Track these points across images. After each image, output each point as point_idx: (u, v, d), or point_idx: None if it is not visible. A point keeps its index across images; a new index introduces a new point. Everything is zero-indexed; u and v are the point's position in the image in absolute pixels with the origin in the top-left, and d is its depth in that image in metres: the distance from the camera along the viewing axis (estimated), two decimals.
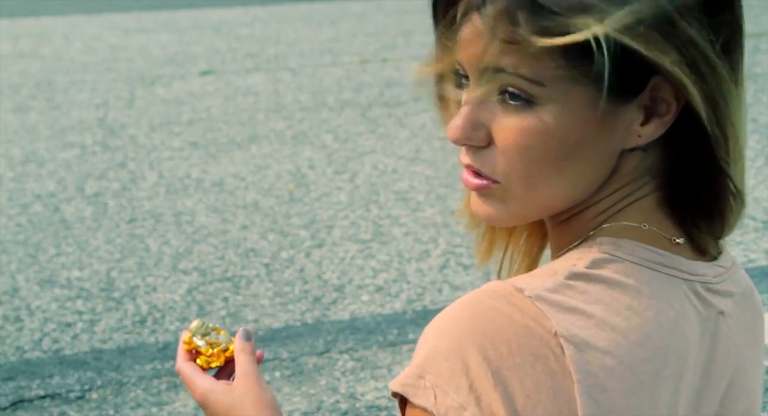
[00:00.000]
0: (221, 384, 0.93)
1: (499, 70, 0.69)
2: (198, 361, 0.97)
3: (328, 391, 2.87)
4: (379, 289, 3.53)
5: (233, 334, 0.98)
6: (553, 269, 0.72)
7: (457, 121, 0.72)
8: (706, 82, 0.68)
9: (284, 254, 3.85)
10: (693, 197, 0.75)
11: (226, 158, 5.10)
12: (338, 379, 2.93)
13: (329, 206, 4.38)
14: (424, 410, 0.67)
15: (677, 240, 0.75)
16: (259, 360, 0.96)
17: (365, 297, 3.47)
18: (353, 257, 3.81)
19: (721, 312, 0.76)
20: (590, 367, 0.67)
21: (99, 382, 2.96)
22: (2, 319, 3.36)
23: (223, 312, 3.37)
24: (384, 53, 7.65)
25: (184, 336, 0.98)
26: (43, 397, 2.89)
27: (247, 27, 8.93)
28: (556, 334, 0.66)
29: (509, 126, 0.70)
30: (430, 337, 0.70)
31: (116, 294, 3.53)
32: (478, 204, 0.77)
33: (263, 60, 7.52)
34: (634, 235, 0.74)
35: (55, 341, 3.21)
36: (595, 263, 0.71)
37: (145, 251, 3.91)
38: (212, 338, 0.97)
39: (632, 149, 0.73)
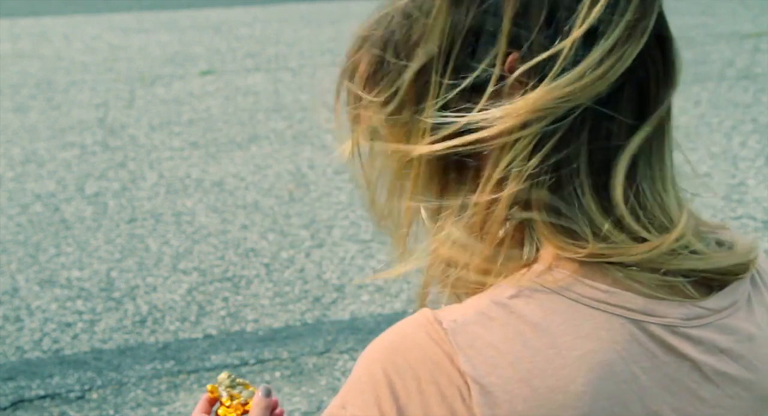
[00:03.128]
0: None
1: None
2: (219, 411, 1.04)
3: (328, 391, 2.87)
4: (379, 289, 3.53)
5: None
6: (481, 296, 0.68)
7: None
8: None
9: (284, 254, 3.85)
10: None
11: (226, 158, 5.10)
12: (338, 379, 2.93)
13: (329, 206, 4.38)
14: None
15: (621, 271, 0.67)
16: None
17: (365, 297, 3.47)
18: (353, 257, 3.81)
19: (691, 360, 0.67)
20: (497, 411, 0.63)
21: (99, 382, 2.96)
22: (2, 319, 3.36)
23: (223, 312, 3.37)
24: None
25: (210, 385, 1.06)
26: (43, 397, 2.89)
27: (247, 27, 8.93)
28: (464, 373, 0.63)
29: None
30: (357, 365, 0.70)
31: (116, 294, 3.53)
32: None
33: (263, 60, 7.52)
34: (574, 265, 0.67)
35: (55, 341, 3.21)
36: (520, 293, 0.66)
37: (145, 251, 3.91)
38: (236, 391, 1.04)
39: None
